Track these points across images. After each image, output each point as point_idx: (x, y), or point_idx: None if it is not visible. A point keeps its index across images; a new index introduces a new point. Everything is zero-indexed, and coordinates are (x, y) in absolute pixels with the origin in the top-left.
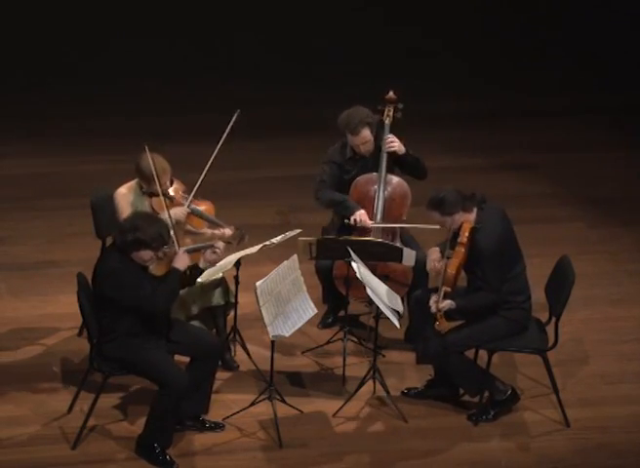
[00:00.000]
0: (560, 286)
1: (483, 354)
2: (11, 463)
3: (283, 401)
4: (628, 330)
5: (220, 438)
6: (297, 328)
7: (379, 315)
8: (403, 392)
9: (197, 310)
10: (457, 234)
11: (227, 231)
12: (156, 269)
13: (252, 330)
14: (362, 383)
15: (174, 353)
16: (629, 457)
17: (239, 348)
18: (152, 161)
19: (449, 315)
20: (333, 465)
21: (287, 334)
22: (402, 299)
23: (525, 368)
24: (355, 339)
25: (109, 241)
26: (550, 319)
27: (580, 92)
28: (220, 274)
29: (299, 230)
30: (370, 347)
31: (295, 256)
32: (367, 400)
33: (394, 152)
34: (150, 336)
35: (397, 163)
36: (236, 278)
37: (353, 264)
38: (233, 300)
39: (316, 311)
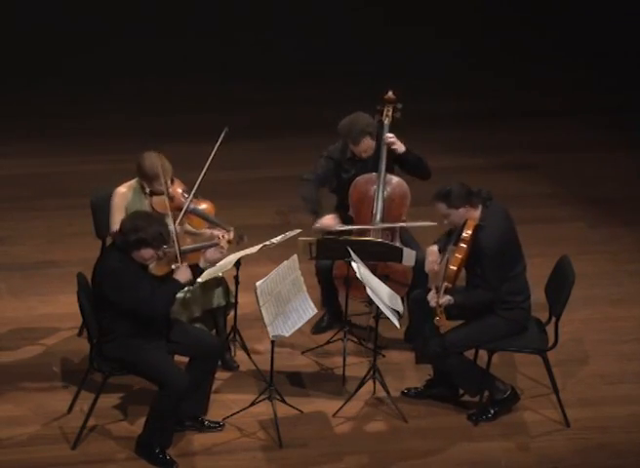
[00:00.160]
0: (560, 286)
1: (483, 354)
2: (11, 463)
3: (283, 401)
4: (628, 330)
5: (219, 438)
6: (297, 328)
7: (379, 315)
8: (403, 392)
9: (199, 312)
10: (458, 230)
11: (229, 228)
12: (156, 269)
13: (252, 330)
14: (362, 383)
15: (173, 353)
16: (629, 457)
17: (239, 348)
18: (155, 161)
19: (448, 313)
20: (333, 465)
21: (287, 334)
22: (402, 299)
23: (525, 368)
24: (355, 339)
25: (109, 241)
26: (550, 319)
27: (580, 92)
28: (220, 274)
29: (299, 230)
30: (370, 347)
31: (295, 256)
32: (367, 400)
33: (394, 150)
34: (150, 337)
35: (398, 161)
36: (236, 278)
37: (353, 264)
38: (233, 300)
39: (316, 311)
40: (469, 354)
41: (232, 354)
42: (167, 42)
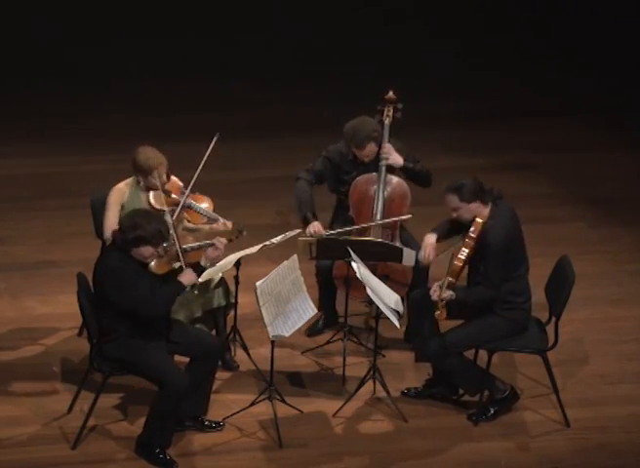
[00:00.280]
0: (560, 286)
1: (483, 354)
2: (11, 463)
3: (283, 401)
4: (628, 330)
5: (219, 438)
6: (297, 328)
7: (379, 315)
8: (403, 392)
9: (200, 312)
10: (465, 227)
11: (227, 223)
12: (157, 267)
13: (252, 330)
14: (362, 383)
15: (174, 353)
16: (629, 457)
17: (239, 348)
18: (149, 153)
19: (449, 312)
20: (333, 465)
21: (287, 334)
22: (402, 299)
23: (525, 368)
24: (355, 339)
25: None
26: (550, 319)
27: (580, 92)
28: (220, 274)
29: (299, 230)
30: (370, 347)
31: (295, 256)
32: (367, 400)
33: (390, 165)
34: (150, 337)
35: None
36: (236, 278)
37: (353, 264)
38: (233, 301)
39: (316, 311)
40: (469, 354)
41: (232, 354)
42: (167, 42)
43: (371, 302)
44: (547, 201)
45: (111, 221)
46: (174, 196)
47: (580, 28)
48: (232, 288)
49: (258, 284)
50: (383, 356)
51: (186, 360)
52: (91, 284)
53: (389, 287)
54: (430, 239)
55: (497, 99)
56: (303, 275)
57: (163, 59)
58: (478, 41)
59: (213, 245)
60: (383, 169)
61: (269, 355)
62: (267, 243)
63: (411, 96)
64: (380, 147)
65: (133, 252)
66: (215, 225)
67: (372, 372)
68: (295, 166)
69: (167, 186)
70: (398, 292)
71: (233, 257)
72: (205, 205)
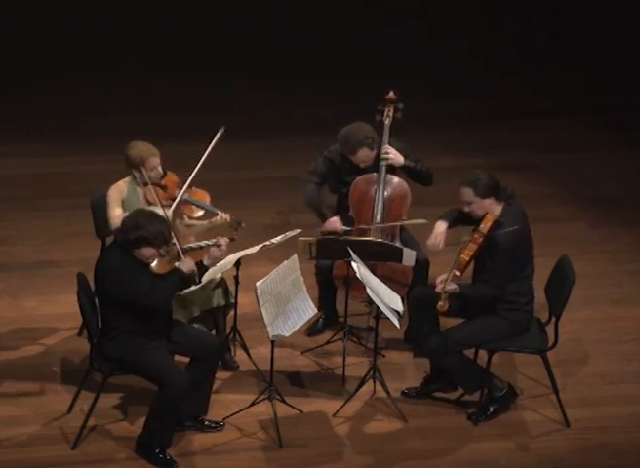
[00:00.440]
0: (560, 286)
1: (483, 353)
2: (11, 463)
3: (283, 401)
4: (628, 330)
5: (219, 438)
6: (297, 328)
7: (379, 315)
8: (403, 392)
9: (198, 312)
10: (475, 222)
11: (225, 215)
12: (159, 267)
13: (252, 330)
14: (362, 383)
15: (174, 353)
16: (629, 457)
17: (239, 348)
18: (141, 146)
19: (451, 309)
20: (333, 465)
21: (287, 334)
22: (402, 299)
23: (525, 368)
24: (355, 339)
25: (109, 240)
26: (550, 319)
27: (580, 92)
28: (220, 274)
29: (299, 230)
30: (370, 347)
31: (295, 256)
32: (367, 400)
33: (390, 164)
34: (151, 336)
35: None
36: (236, 278)
37: (353, 264)
38: (233, 301)
39: (316, 311)
40: (469, 353)
41: (232, 354)
42: (167, 42)
43: (371, 302)
44: (547, 201)
45: (116, 212)
46: (171, 190)
47: (580, 28)
48: (232, 288)
49: (258, 284)
50: (383, 356)
51: (186, 360)
52: (91, 283)
53: (389, 287)
54: (441, 227)
55: (497, 99)
56: (303, 275)
57: (163, 59)
58: (478, 41)
59: (214, 244)
60: (384, 169)
61: (269, 355)
62: (267, 243)
63: (411, 96)
64: (377, 152)
65: (134, 252)
66: (214, 219)
67: (372, 372)
68: (295, 166)
69: (164, 181)
70: (398, 292)
71: (233, 257)
72: (202, 199)
